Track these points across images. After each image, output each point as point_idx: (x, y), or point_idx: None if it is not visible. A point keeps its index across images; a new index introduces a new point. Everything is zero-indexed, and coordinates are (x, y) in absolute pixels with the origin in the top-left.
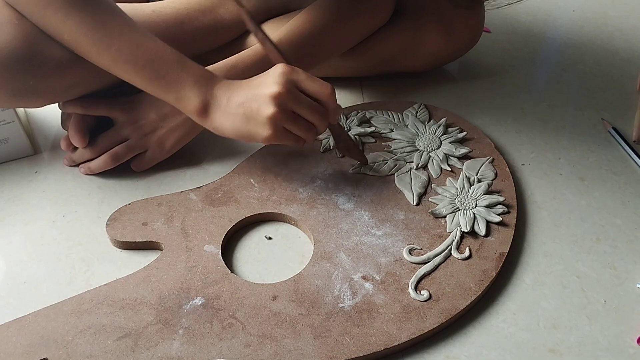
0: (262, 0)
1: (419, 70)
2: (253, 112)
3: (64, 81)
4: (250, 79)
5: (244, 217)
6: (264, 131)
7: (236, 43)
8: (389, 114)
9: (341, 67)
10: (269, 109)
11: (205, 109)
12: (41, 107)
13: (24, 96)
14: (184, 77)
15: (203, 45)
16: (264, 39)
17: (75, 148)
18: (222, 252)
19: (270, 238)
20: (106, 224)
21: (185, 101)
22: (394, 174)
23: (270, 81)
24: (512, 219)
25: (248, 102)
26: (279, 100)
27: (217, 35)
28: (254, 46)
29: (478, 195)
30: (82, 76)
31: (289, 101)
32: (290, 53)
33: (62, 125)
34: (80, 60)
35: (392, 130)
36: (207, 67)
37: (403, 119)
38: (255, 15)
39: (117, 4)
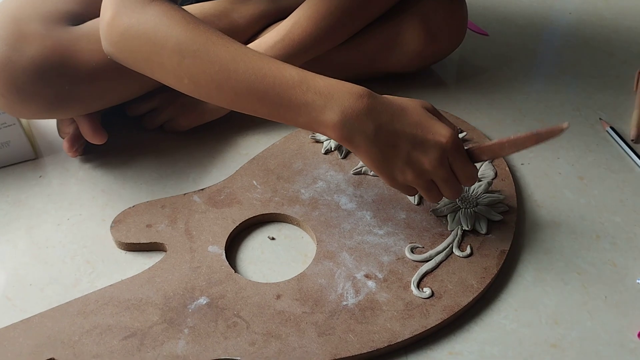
0: (272, 2)
1: (405, 70)
2: (392, 164)
3: (97, 87)
4: (414, 119)
5: (247, 218)
6: (390, 181)
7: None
8: None
9: (327, 66)
10: (409, 174)
11: (342, 131)
12: (78, 116)
13: (59, 105)
14: (310, 100)
15: None
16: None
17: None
18: (225, 253)
19: (273, 238)
20: (110, 227)
21: (318, 125)
22: None
23: (431, 150)
24: (512, 217)
25: (393, 152)
26: (425, 174)
27: (233, 38)
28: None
29: (479, 194)
30: (114, 82)
31: (433, 176)
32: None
33: (58, 133)
34: (112, 65)
35: None
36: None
37: None
38: (266, 17)
39: None
